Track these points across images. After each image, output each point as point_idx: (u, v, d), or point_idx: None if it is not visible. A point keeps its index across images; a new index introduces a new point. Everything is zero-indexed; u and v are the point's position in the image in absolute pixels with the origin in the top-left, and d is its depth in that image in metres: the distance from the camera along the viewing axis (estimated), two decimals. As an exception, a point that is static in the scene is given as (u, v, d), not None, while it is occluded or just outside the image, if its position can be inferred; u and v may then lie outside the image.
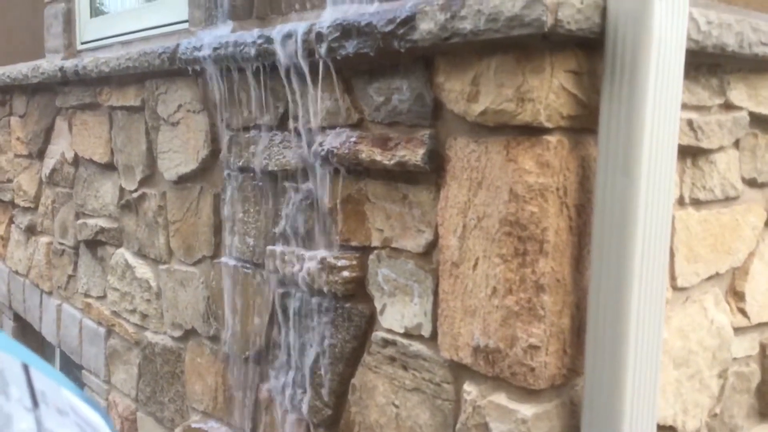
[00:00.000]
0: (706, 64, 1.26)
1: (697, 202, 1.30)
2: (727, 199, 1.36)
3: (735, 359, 1.45)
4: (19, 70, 2.93)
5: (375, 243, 1.37)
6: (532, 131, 1.06)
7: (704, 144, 1.27)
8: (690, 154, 1.27)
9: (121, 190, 2.35)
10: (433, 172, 1.23)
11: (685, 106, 1.22)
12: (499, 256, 1.11)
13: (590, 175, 1.10)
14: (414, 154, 1.23)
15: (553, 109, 1.03)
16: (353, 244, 1.42)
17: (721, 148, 1.32)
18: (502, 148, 1.10)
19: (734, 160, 1.36)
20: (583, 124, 1.07)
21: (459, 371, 1.22)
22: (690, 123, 1.24)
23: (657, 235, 1.05)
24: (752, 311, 1.45)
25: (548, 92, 1.03)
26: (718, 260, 1.36)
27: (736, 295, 1.43)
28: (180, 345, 2.09)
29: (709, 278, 1.35)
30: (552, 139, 1.04)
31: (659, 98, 1.01)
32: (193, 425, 1.98)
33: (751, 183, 1.41)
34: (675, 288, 1.29)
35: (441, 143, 1.21)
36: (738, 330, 1.44)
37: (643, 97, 1.00)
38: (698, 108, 1.26)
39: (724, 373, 1.41)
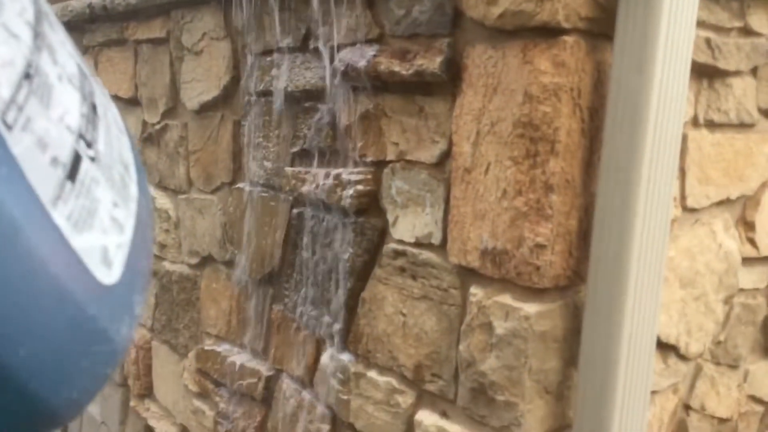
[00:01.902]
0: (727, -15, 1.26)
1: (711, 124, 1.31)
2: (742, 125, 1.37)
3: (742, 290, 1.47)
4: (48, 9, 2.97)
5: (390, 157, 1.39)
6: (550, 32, 1.07)
7: (721, 65, 1.27)
8: (706, 74, 1.28)
9: (144, 123, 2.39)
10: (449, 81, 1.25)
11: (703, 25, 1.23)
12: (510, 159, 1.13)
13: (605, 80, 1.11)
14: (432, 63, 1.25)
15: (571, 8, 1.05)
16: (369, 159, 1.44)
17: (738, 73, 1.32)
18: (519, 51, 1.11)
19: (751, 87, 1.37)
20: (600, 28, 1.09)
21: (466, 276, 1.24)
22: (708, 41, 1.24)
23: (668, 137, 1.07)
24: (762, 243, 1.46)
25: (566, -9, 1.04)
26: (729, 185, 1.37)
27: (746, 224, 1.44)
28: (196, 272, 2.13)
29: (720, 203, 1.37)
30: (569, 39, 1.06)
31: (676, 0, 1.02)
32: (206, 348, 2.03)
33: (767, 113, 1.42)
34: (685, 208, 1.30)
35: (459, 52, 1.23)
36: (746, 260, 1.45)
37: (660, -4, 1.01)
38: (717, 28, 1.26)
39: (730, 300, 1.42)
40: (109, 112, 0.31)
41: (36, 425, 0.25)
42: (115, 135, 0.31)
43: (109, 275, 0.27)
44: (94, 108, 0.29)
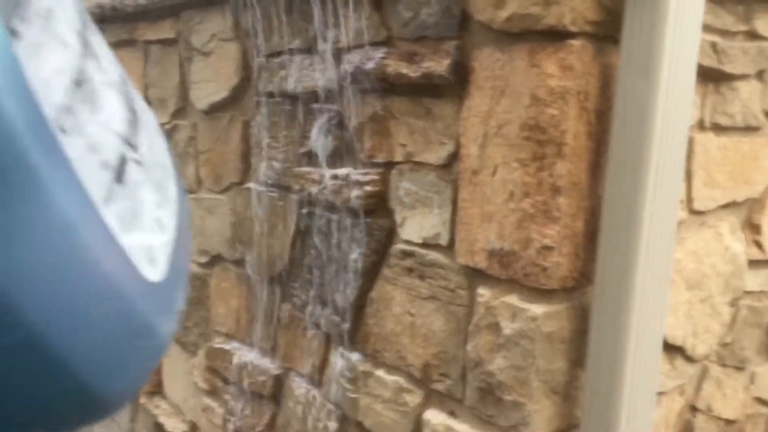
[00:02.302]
0: (734, -12, 1.27)
1: (717, 128, 1.32)
2: (748, 129, 1.37)
3: (748, 292, 1.47)
4: (59, 9, 3.00)
5: (398, 158, 1.41)
6: (557, 36, 1.08)
7: (727, 68, 1.28)
8: (713, 78, 1.29)
9: (154, 123, 2.40)
10: (456, 83, 1.26)
11: (709, 29, 1.24)
12: (517, 161, 1.14)
13: (612, 83, 1.12)
14: (439, 65, 1.26)
15: (578, 12, 1.06)
16: (377, 160, 1.46)
17: (744, 76, 1.33)
18: (526, 54, 1.12)
19: (757, 91, 1.37)
20: (607, 32, 1.10)
21: (473, 277, 1.25)
22: (713, 45, 1.25)
23: (674, 140, 1.08)
24: (768, 245, 1.47)
25: (573, -4, 1.05)
26: (735, 188, 1.37)
27: (753, 227, 1.44)
28: (206, 271, 2.15)
29: (726, 205, 1.37)
30: (576, 42, 1.07)
31: (682, 4, 1.03)
32: (216, 346, 2.05)
33: (774, 116, 1.42)
34: (691, 211, 1.31)
35: (466, 55, 1.24)
36: (752, 263, 1.46)
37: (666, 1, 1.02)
38: (723, 32, 1.27)
39: (736, 302, 1.43)
40: (147, 116, 0.33)
41: (87, 415, 0.27)
42: (154, 138, 0.32)
43: (154, 273, 0.29)
44: (135, 112, 0.30)
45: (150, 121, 0.33)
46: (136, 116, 0.30)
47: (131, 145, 0.29)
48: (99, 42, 0.30)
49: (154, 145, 0.32)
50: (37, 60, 0.24)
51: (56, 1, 0.26)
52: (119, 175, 0.27)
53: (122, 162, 0.28)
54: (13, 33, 0.23)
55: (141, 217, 0.28)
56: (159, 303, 0.29)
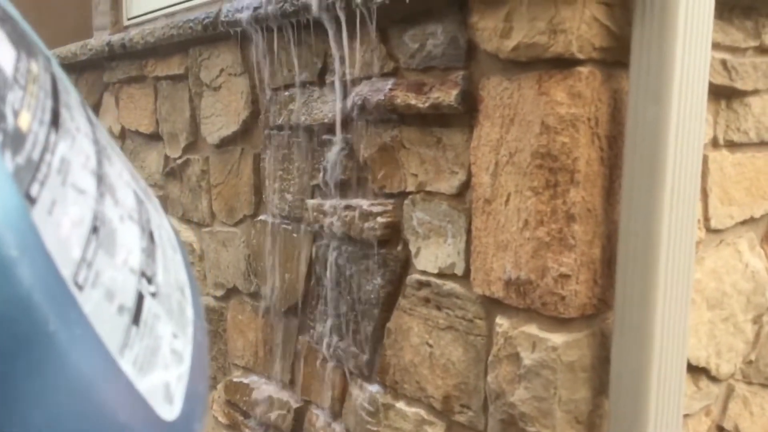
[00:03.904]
0: (741, 5, 1.26)
1: (731, 144, 1.30)
2: (762, 144, 1.36)
3: (771, 308, 1.45)
4: (69, 49, 3.03)
5: (410, 188, 1.40)
6: (564, 63, 1.08)
7: (738, 85, 1.27)
8: (724, 95, 1.28)
9: (166, 158, 2.42)
10: (466, 113, 1.26)
11: (719, 46, 1.23)
12: (530, 189, 1.14)
13: (622, 108, 1.11)
14: (447, 96, 1.26)
15: (585, 40, 1.05)
16: (389, 191, 1.45)
17: (756, 92, 1.32)
18: (534, 82, 1.12)
19: (770, 105, 1.36)
20: (615, 57, 1.09)
21: (491, 306, 1.24)
22: (724, 63, 1.24)
23: (689, 161, 1.07)
24: (789, 260, 1.45)
25: (580, 23, 1.05)
26: (752, 204, 1.36)
27: (772, 242, 1.42)
28: (222, 304, 2.15)
29: (744, 222, 1.36)
30: (584, 69, 1.06)
31: (690, 26, 1.03)
32: (235, 380, 2.04)
33: (788, 130, 1.41)
34: (709, 229, 1.30)
35: (474, 84, 1.24)
36: (774, 278, 1.44)
37: (674, 23, 1.01)
38: (732, 49, 1.26)
39: (759, 319, 1.41)
40: (164, 232, 0.31)
41: None
42: (170, 258, 0.31)
43: (171, 411, 0.28)
44: (151, 237, 0.29)
45: (166, 236, 0.32)
46: (152, 241, 0.29)
47: (148, 277, 0.28)
48: (114, 166, 0.29)
49: (170, 265, 0.31)
50: (54, 219, 0.23)
51: (72, 146, 0.25)
52: (136, 316, 0.26)
53: (139, 300, 0.27)
54: (30, 199, 0.22)
55: (158, 354, 0.28)
56: None
